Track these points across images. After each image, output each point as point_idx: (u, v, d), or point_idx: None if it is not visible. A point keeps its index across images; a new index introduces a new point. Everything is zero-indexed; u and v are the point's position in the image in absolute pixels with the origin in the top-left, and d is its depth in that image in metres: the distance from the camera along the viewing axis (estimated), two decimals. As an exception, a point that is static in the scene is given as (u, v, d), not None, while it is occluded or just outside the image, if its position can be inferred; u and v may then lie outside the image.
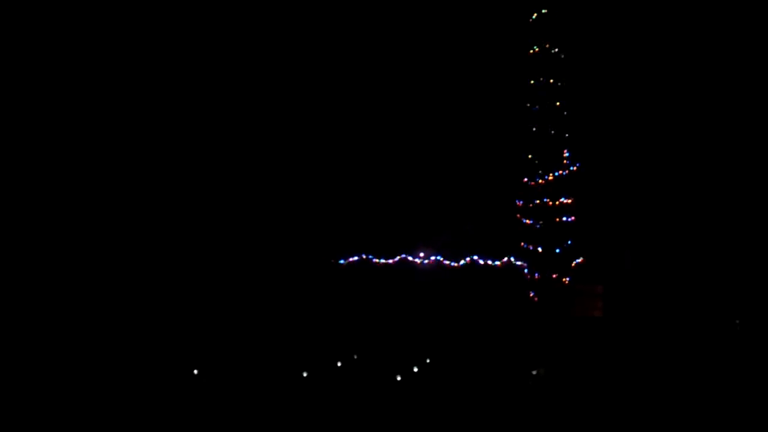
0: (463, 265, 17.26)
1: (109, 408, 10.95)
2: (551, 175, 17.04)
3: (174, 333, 14.92)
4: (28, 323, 14.05)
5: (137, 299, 15.79)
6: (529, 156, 17.22)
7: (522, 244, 17.18)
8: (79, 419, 10.40)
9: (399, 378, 13.29)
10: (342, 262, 17.42)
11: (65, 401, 10.95)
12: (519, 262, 17.27)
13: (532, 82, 17.10)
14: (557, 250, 16.81)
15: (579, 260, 17.08)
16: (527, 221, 17.17)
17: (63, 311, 14.98)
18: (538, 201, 17.06)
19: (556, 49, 16.99)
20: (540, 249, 16.90)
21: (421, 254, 17.30)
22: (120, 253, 16.34)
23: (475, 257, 17.26)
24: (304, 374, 13.18)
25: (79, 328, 14.59)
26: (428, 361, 14.30)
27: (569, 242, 16.93)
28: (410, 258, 17.30)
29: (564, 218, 16.94)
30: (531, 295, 16.97)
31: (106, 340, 14.27)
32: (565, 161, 17.11)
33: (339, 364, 14.01)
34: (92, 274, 15.97)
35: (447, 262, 17.26)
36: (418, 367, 13.86)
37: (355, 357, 14.40)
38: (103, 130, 16.90)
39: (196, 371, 12.97)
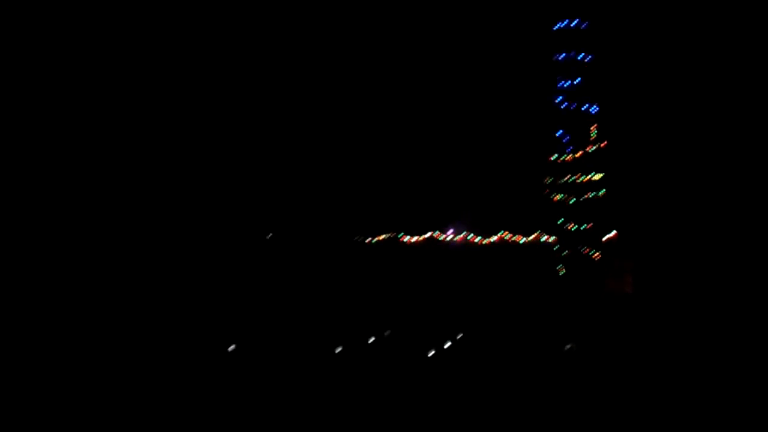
0: (492, 241, 17.24)
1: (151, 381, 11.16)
2: (580, 150, 16.91)
3: (211, 308, 15.12)
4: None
5: (169, 274, 15.97)
6: (558, 132, 17.10)
7: (552, 220, 17.11)
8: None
9: (430, 354, 13.35)
10: (371, 239, 17.47)
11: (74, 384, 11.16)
12: (549, 238, 17.20)
13: (560, 57, 16.96)
14: (587, 226, 16.70)
15: (609, 235, 16.96)
16: (556, 197, 17.08)
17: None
18: (567, 177, 16.97)
19: (585, 23, 16.83)
20: (570, 225, 16.82)
21: (451, 231, 17.30)
22: (152, 226, 16.51)
23: (505, 234, 17.22)
24: (337, 350, 13.30)
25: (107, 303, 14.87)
26: (459, 336, 14.34)
27: (599, 218, 16.80)
28: (439, 235, 17.31)
29: (594, 194, 16.81)
30: (561, 270, 16.92)
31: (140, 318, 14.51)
32: (594, 136, 16.96)
33: (371, 340, 14.10)
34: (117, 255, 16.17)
35: (476, 239, 17.25)
36: (449, 343, 13.91)
37: (387, 333, 14.48)
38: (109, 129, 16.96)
39: (232, 346, 13.16)
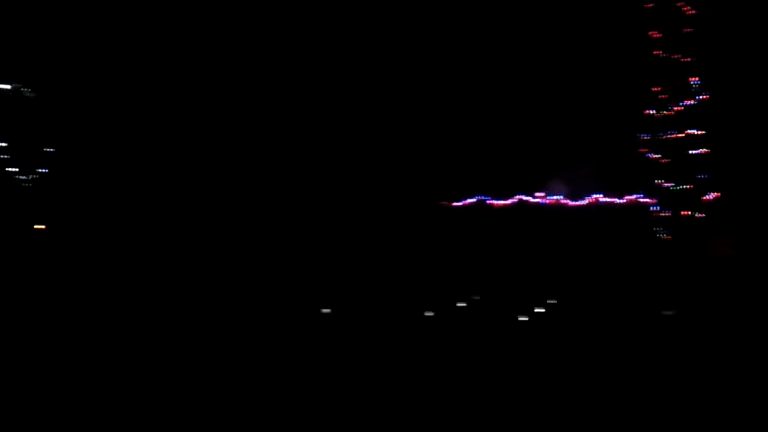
0: (586, 204, 16.62)
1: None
2: (679, 105, 16.12)
3: (302, 274, 15.25)
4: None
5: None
6: (654, 86, 16.32)
7: (649, 180, 16.43)
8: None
9: (522, 319, 13.00)
10: (459, 204, 17.10)
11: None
12: (647, 200, 16.49)
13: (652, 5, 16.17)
14: (687, 186, 15.99)
15: (712, 196, 16.10)
16: (654, 156, 16.39)
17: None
18: (665, 134, 16.23)
19: None
20: (669, 185, 16.11)
21: (541, 194, 16.75)
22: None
23: (599, 196, 16.57)
24: (428, 314, 13.15)
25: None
26: (552, 302, 13.91)
27: (701, 177, 16.03)
28: (529, 198, 16.78)
29: (694, 151, 16.05)
30: (660, 233, 16.22)
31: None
32: (693, 89, 16.13)
33: (461, 304, 13.88)
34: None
35: (568, 202, 16.65)
36: (540, 308, 13.53)
37: (477, 298, 14.20)
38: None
39: (327, 310, 13.22)
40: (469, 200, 17.05)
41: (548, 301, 13.92)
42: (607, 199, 16.59)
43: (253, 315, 12.93)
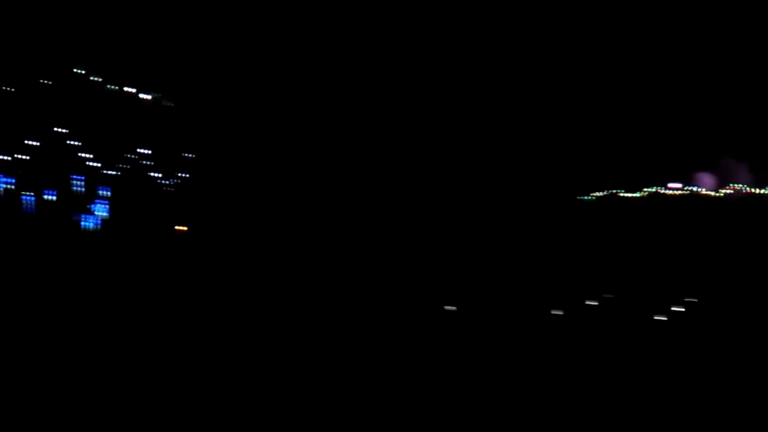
0: (726, 195, 15.69)
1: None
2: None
3: (429, 270, 15.36)
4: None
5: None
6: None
7: None
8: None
9: (658, 318, 12.53)
10: (587, 198, 16.61)
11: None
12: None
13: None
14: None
15: None
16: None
17: None
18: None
19: None
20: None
21: (676, 185, 15.98)
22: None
23: (738, 185, 15.61)
24: (556, 312, 12.91)
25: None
26: (691, 300, 13.29)
27: None
28: (662, 191, 16.05)
29: None
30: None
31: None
32: None
33: (590, 303, 13.52)
34: None
35: (706, 193, 15.78)
36: (679, 307, 12.98)
37: (609, 296, 13.77)
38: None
39: (452, 307, 13.26)
40: (599, 193, 16.51)
41: (686, 299, 13.30)
42: (749, 190, 15.60)
43: (383, 310, 13.15)
